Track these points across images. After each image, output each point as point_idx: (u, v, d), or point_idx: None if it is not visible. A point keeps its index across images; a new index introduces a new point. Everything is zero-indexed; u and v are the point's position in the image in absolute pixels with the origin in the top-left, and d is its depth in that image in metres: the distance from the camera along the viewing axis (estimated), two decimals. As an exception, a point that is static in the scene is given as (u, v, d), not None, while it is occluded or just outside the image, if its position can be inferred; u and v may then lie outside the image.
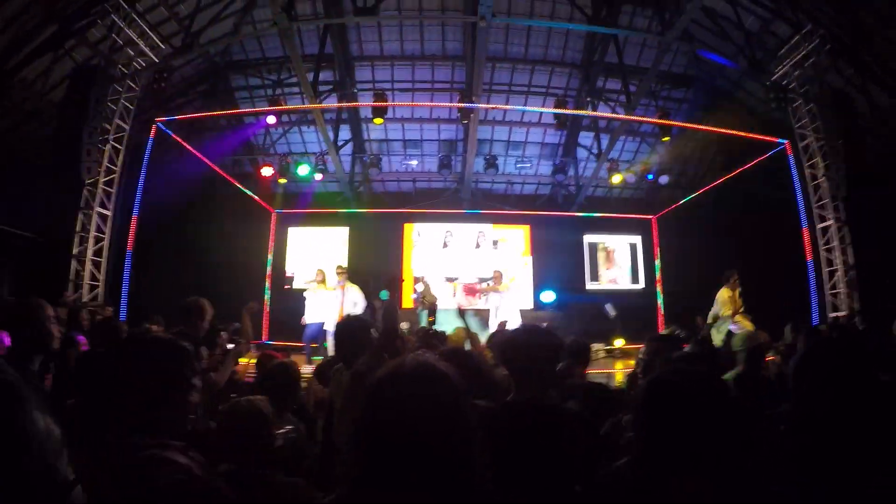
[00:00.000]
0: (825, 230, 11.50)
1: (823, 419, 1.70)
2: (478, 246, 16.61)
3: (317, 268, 12.05)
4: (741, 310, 9.59)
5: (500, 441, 2.13)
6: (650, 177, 15.30)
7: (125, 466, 1.48)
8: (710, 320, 9.98)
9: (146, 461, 1.50)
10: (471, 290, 15.63)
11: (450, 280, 15.96)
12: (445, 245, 16.55)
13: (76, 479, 0.93)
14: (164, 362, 1.78)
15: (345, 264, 13.34)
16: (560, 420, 2.35)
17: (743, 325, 9.34)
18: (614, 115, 14.34)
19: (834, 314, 11.16)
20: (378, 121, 12.75)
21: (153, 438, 1.59)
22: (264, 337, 14.16)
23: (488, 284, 11.14)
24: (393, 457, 1.18)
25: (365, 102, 13.82)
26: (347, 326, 3.87)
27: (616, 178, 15.19)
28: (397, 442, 1.18)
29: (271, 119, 13.02)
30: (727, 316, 9.61)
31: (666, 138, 13.50)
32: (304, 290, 12.19)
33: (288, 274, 16.14)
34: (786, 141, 11.85)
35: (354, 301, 11.49)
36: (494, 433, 2.19)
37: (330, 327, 10.80)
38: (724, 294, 9.73)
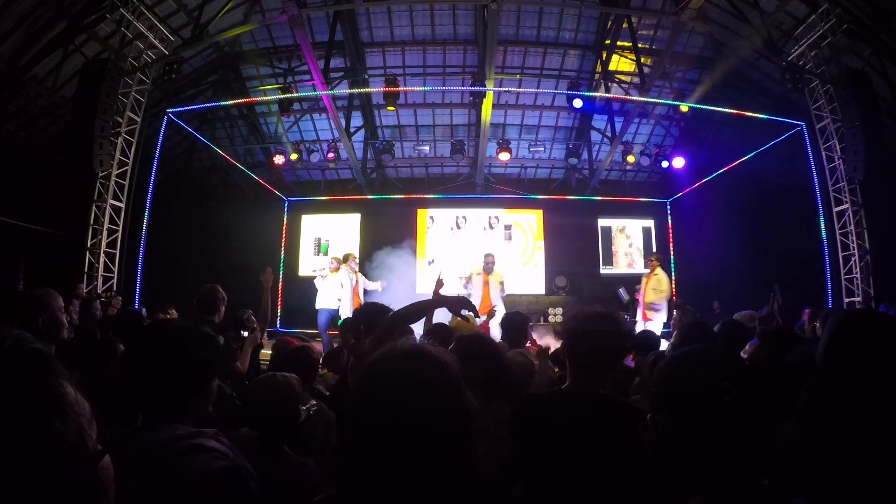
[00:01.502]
0: (841, 214, 11.32)
1: (860, 408, 1.62)
2: (491, 227, 16.58)
3: (332, 256, 12.13)
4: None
5: (555, 433, 2.16)
6: (665, 163, 15.25)
7: (171, 457, 1.51)
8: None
9: (191, 450, 1.54)
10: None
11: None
12: (459, 227, 16.54)
13: (104, 450, 0.95)
14: (193, 352, 1.79)
15: (355, 251, 13.44)
16: (621, 415, 2.24)
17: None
18: (628, 97, 14.16)
19: (849, 299, 11.03)
20: (391, 108, 12.75)
21: (186, 427, 1.64)
22: (277, 324, 14.29)
23: (481, 268, 10.76)
24: (379, 445, 1.15)
25: (376, 88, 13.80)
26: (363, 312, 3.80)
27: (630, 158, 15.09)
28: (384, 429, 1.15)
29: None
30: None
31: (685, 107, 13.33)
32: (314, 277, 12.30)
33: (303, 260, 16.23)
34: (802, 123, 11.68)
35: (364, 288, 11.69)
36: (549, 423, 2.19)
37: (345, 313, 10.91)
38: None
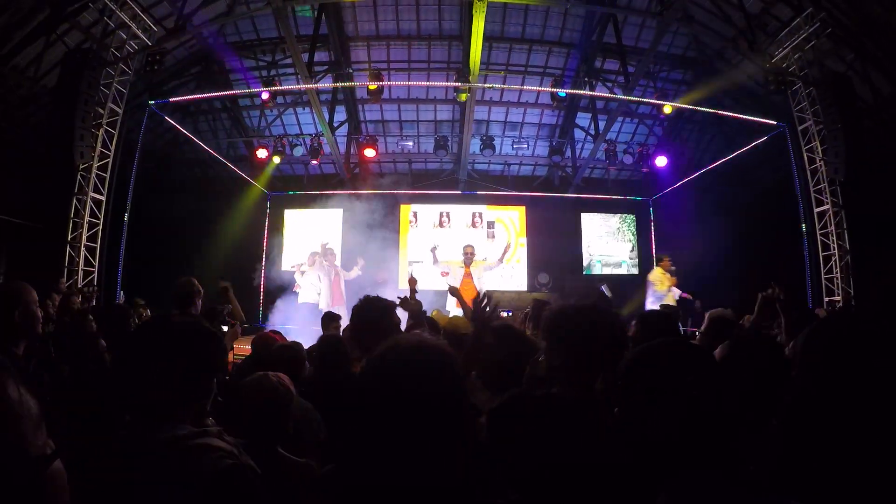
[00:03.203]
0: (822, 214, 11.47)
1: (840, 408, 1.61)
2: (474, 226, 16.60)
3: (320, 244, 12.12)
4: (673, 285, 10.78)
5: (540, 442, 1.95)
6: (645, 171, 15.46)
7: (178, 456, 1.50)
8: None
9: (198, 449, 1.54)
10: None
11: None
12: (442, 226, 16.53)
13: (55, 453, 0.90)
14: (198, 348, 1.75)
15: (336, 246, 13.41)
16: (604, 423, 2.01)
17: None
18: (612, 96, 14.22)
19: (828, 299, 11.19)
20: (373, 86, 12.63)
21: (192, 426, 1.62)
22: (259, 319, 14.19)
23: (461, 261, 10.82)
24: (384, 419, 1.21)
25: (360, 82, 13.73)
26: (367, 307, 3.42)
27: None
28: (389, 418, 1.20)
29: (264, 95, 12.87)
30: (664, 290, 10.70)
31: (668, 108, 13.40)
32: (294, 271, 12.29)
33: (285, 255, 16.13)
34: (784, 124, 11.82)
35: (345, 280, 11.68)
36: (534, 432, 1.98)
37: (325, 306, 10.90)
38: (655, 273, 11.00)
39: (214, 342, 1.81)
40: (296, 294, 12.27)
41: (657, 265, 11.15)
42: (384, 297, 3.54)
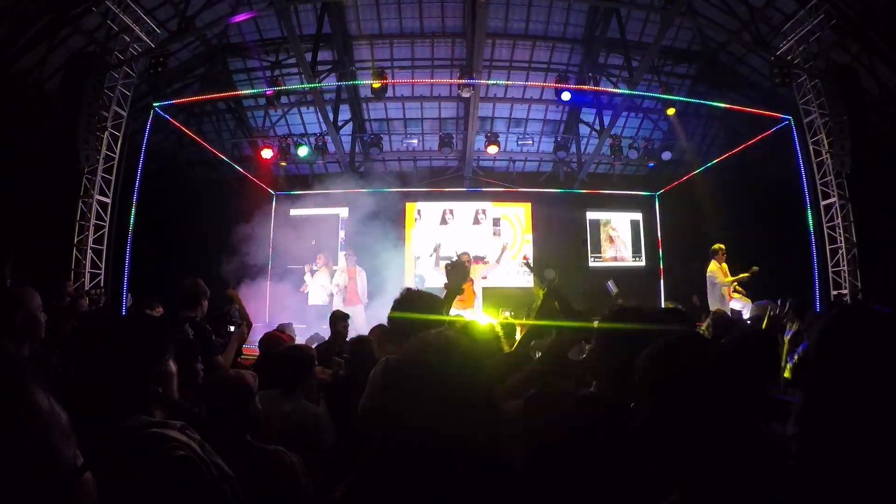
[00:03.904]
0: (828, 207, 11.42)
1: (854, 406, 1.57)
2: (477, 223, 16.55)
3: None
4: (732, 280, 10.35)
5: (569, 437, 1.96)
6: (651, 165, 15.40)
7: (127, 446, 1.52)
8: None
9: (148, 440, 1.56)
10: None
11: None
12: (446, 222, 16.49)
13: (85, 464, 0.90)
14: (136, 340, 1.80)
15: (347, 246, 13.43)
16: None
17: (743, 300, 10.18)
18: (616, 91, 14.16)
19: (835, 292, 11.15)
20: (377, 85, 12.60)
21: (149, 418, 1.66)
22: (266, 319, 14.21)
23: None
24: (418, 397, 1.29)
25: (364, 81, 13.73)
26: (411, 299, 3.18)
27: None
28: (415, 420, 1.26)
29: (268, 92, 12.91)
30: (725, 283, 10.29)
31: (671, 110, 13.36)
32: (305, 271, 12.31)
33: (291, 255, 16.14)
34: (789, 117, 11.75)
35: (364, 283, 11.68)
36: (568, 426, 1.99)
37: (337, 306, 10.93)
38: (712, 266, 10.51)
39: (149, 329, 1.89)
40: (305, 293, 12.36)
41: (712, 258, 10.60)
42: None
